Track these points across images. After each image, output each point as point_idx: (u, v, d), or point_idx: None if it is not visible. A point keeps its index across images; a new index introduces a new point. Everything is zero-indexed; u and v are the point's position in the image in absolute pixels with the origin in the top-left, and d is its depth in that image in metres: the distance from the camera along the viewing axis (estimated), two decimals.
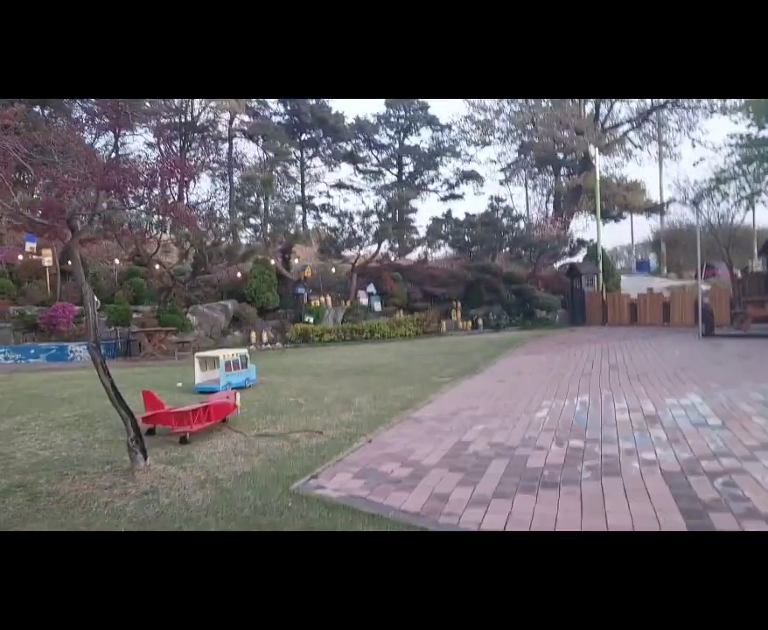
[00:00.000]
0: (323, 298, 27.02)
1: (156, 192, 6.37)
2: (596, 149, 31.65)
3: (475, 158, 54.15)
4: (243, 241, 30.29)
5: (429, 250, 32.72)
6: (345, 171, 56.06)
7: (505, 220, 32.22)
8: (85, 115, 32.49)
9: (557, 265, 35.15)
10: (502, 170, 52.20)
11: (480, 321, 27.97)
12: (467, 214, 32.98)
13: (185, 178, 6.28)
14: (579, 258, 33.67)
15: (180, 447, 7.31)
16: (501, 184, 52.95)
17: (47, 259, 21.35)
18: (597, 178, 30.89)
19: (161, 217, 24.39)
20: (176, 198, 6.88)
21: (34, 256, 21.81)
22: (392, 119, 53.12)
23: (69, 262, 18.94)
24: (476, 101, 45.23)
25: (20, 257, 21.82)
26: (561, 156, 47.17)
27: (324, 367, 15.94)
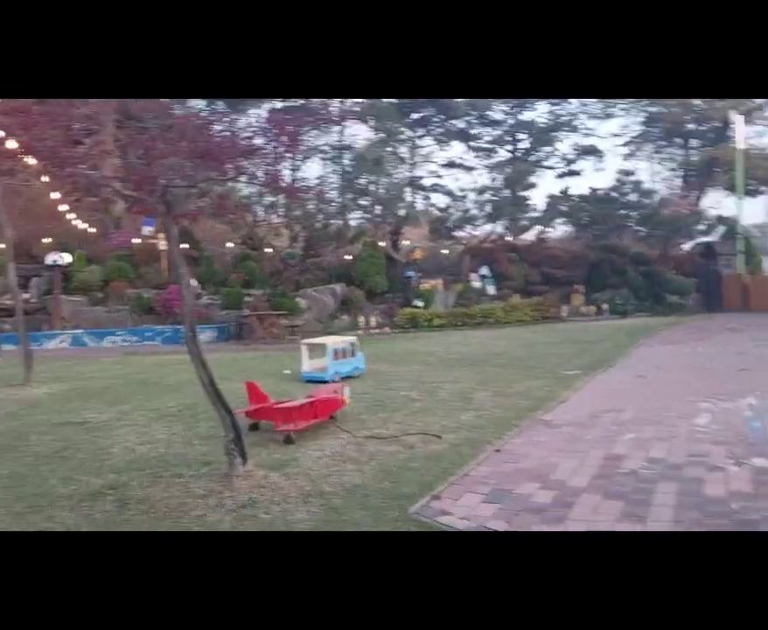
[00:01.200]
0: (433, 281, 26.03)
1: (257, 161, 5.59)
2: (739, 116, 28.42)
3: (595, 132, 50.85)
4: (352, 223, 29.81)
5: (549, 229, 30.76)
6: (456, 149, 54.44)
7: (633, 196, 29.66)
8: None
9: (689, 245, 32.13)
10: (626, 143, 48.76)
11: (605, 306, 25.91)
12: (592, 190, 30.69)
13: (291, 145, 5.44)
14: (714, 237, 30.61)
15: (284, 448, 6.56)
16: (624, 158, 49.46)
17: (163, 243, 21.68)
18: (740, 147, 27.77)
19: (273, 198, 24.29)
20: (281, 172, 6.10)
21: (151, 240, 22.26)
22: None
23: (186, 245, 19.17)
24: None
25: (137, 241, 22.33)
26: (692, 126, 43.26)
27: (435, 355, 14.96)
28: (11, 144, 5.37)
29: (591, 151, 49.73)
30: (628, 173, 30.78)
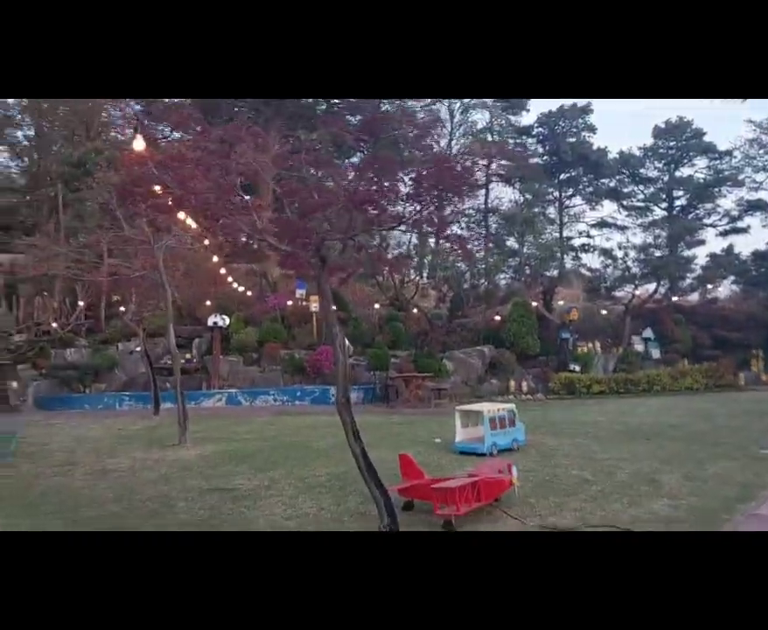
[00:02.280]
0: (590, 344, 24.30)
1: (418, 207, 5.02)
2: None
3: (764, 186, 46.67)
4: (501, 283, 28.94)
5: (718, 288, 28.07)
6: (607, 208, 52.31)
7: None
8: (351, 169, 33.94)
9: None
10: None
11: None
12: None
13: (457, 186, 4.83)
14: None
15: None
16: None
17: (314, 305, 22.05)
18: None
19: (417, 258, 24.06)
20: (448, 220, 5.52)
21: (303, 302, 22.76)
22: (660, 150, 48.06)
23: (333, 307, 19.30)
24: (763, 121, 38.97)
25: (290, 303, 22.96)
26: None
27: (601, 425, 13.51)
28: (167, 199, 5.22)
29: (759, 206, 45.56)
30: None
